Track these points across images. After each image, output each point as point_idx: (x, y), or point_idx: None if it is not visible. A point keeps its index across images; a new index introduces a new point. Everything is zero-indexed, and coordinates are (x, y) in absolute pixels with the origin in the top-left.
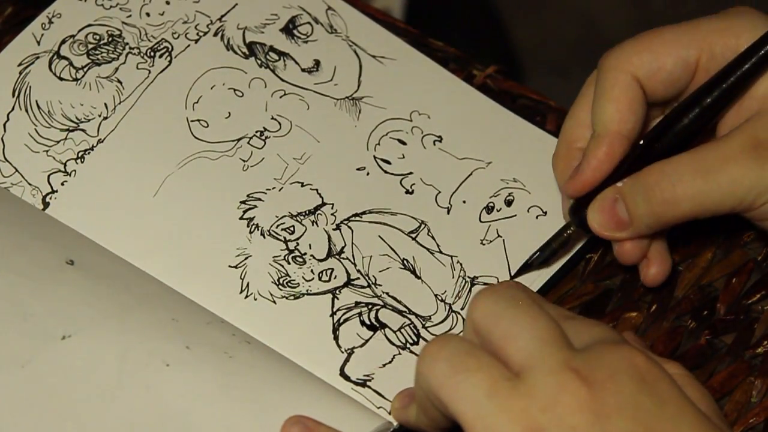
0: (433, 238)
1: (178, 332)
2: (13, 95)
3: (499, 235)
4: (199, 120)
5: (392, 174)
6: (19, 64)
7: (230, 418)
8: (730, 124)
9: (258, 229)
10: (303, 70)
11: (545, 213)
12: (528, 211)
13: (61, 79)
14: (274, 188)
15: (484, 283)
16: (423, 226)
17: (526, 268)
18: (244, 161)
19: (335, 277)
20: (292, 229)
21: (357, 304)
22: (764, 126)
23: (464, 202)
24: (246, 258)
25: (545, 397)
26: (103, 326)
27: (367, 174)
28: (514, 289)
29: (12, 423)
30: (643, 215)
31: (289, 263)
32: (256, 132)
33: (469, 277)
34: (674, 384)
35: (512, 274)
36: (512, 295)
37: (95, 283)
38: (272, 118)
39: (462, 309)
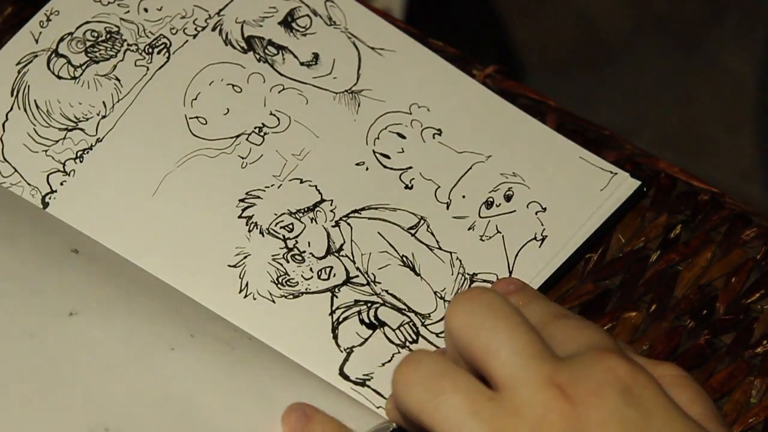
0: (432, 234)
1: (182, 321)
2: (12, 95)
3: (498, 231)
4: (197, 117)
5: (391, 169)
6: (18, 63)
7: (233, 403)
8: None
9: (257, 228)
10: (302, 63)
11: (544, 209)
12: (527, 206)
13: (59, 77)
14: (273, 185)
15: (484, 280)
16: (422, 221)
17: None
18: (242, 158)
19: (334, 275)
20: (291, 226)
21: (356, 302)
22: None
23: (464, 197)
24: (245, 257)
25: (531, 416)
26: (110, 307)
27: (366, 169)
28: (492, 296)
29: (19, 389)
30: None
31: (288, 261)
32: (255, 128)
33: (468, 274)
34: (661, 392)
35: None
36: (490, 303)
37: (100, 269)
38: (271, 114)
39: None
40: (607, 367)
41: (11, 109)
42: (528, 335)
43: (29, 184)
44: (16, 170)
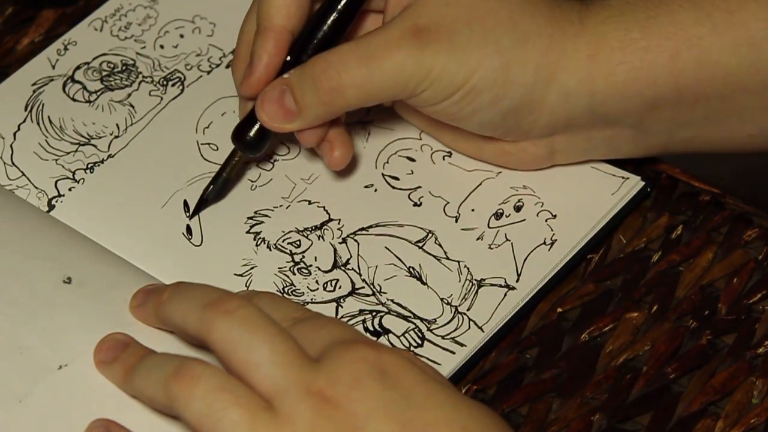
0: (440, 245)
1: (177, 350)
2: (26, 109)
3: (507, 239)
4: (209, 143)
5: (400, 189)
6: (33, 84)
7: None
8: (394, 14)
9: (264, 243)
10: None
11: (554, 216)
12: (537, 215)
13: (74, 100)
14: (281, 206)
15: (492, 284)
16: (430, 235)
17: (203, 203)
18: (252, 182)
19: (339, 287)
20: (298, 243)
21: (361, 311)
22: (422, 12)
23: (473, 210)
24: (251, 268)
25: (304, 424)
26: None
27: (375, 190)
28: (247, 309)
29: None
30: (312, 105)
31: (294, 274)
32: (265, 155)
33: (476, 279)
34: (413, 367)
35: (191, 213)
36: (245, 317)
37: (93, 301)
38: (281, 143)
39: (468, 310)
40: (357, 357)
41: (24, 121)
42: (285, 344)
43: (36, 187)
44: (23, 174)
